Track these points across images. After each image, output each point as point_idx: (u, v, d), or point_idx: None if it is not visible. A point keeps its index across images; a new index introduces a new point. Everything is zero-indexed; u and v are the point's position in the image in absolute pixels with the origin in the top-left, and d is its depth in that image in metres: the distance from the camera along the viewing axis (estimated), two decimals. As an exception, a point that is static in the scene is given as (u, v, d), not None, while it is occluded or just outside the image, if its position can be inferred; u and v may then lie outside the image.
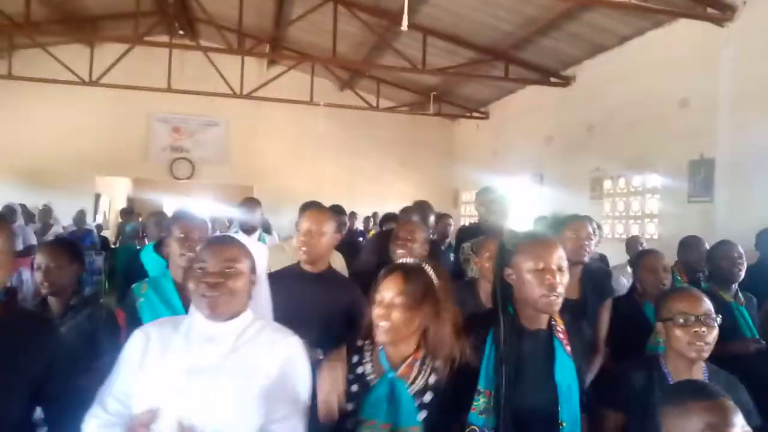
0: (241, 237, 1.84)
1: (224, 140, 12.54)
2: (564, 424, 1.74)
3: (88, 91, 10.34)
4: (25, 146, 11.18)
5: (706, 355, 1.96)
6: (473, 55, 8.91)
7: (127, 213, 10.94)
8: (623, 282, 4.18)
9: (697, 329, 1.94)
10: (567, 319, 1.89)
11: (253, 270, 1.70)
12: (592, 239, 2.81)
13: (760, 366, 2.58)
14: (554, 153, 9.11)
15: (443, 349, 1.74)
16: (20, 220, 6.95)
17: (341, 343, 1.83)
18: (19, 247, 5.97)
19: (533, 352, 1.80)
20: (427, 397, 1.70)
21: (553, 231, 2.61)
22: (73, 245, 2.77)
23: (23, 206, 8.04)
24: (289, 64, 11.01)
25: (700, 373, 1.99)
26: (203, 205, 7.56)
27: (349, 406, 1.69)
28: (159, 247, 3.53)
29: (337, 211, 4.33)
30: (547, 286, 1.75)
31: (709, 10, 5.86)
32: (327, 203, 3.20)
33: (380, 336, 1.71)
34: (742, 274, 3.30)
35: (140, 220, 9.74)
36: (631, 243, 5.95)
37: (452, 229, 5.72)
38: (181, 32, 10.94)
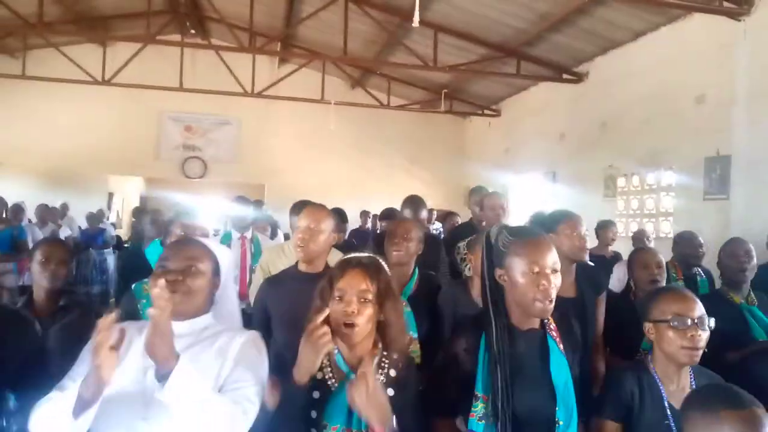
0: (208, 241, 1.86)
1: (236, 139, 12.59)
2: (560, 423, 1.70)
3: (101, 90, 10.40)
4: (38, 146, 11.27)
5: (698, 360, 1.89)
6: (485, 52, 8.84)
7: (140, 212, 10.99)
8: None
9: (693, 333, 1.85)
10: (557, 317, 1.84)
11: (216, 273, 1.71)
12: (587, 237, 2.77)
13: (760, 366, 2.52)
14: (567, 150, 9.01)
15: (401, 342, 1.77)
16: (26, 219, 7.00)
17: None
18: (30, 245, 6.01)
19: (528, 353, 1.76)
20: (389, 392, 1.67)
21: (547, 229, 2.56)
22: (66, 247, 2.75)
23: (48, 207, 8.14)
24: (300, 62, 11.04)
25: (687, 374, 1.93)
26: (215, 204, 7.57)
27: (313, 414, 1.65)
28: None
29: (337, 213, 4.34)
30: (542, 292, 1.69)
31: (725, 3, 5.77)
32: (338, 201, 3.19)
33: (354, 338, 1.68)
34: (750, 272, 3.19)
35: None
36: (638, 237, 5.88)
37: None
38: (192, 31, 11.01)
